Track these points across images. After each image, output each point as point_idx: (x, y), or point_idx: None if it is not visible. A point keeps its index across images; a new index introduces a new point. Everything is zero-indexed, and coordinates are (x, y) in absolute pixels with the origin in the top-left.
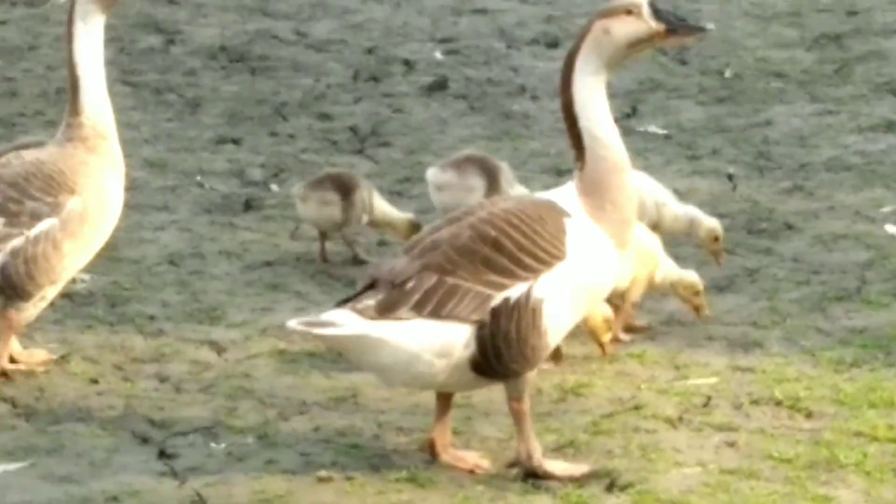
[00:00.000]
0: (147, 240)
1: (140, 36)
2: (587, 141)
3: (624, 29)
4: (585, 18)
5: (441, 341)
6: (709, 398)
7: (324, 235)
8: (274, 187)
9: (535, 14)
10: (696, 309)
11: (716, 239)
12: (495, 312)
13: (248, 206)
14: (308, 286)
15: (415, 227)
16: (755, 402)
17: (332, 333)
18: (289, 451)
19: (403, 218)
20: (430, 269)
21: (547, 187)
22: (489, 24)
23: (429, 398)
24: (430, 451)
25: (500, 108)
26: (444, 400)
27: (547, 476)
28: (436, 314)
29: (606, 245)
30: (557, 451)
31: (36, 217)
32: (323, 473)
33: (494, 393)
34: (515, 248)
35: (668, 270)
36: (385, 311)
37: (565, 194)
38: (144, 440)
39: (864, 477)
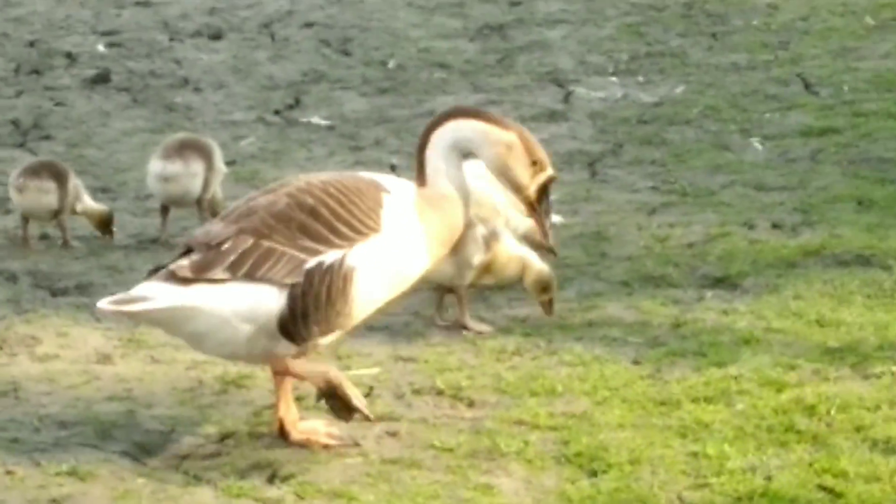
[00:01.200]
0: None
1: None
2: (429, 172)
3: (518, 166)
4: (248, 10)
5: (253, 303)
6: (371, 388)
7: (27, 222)
8: None
9: (197, 6)
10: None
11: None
12: (309, 274)
13: None
14: None
15: (109, 219)
16: (417, 392)
17: (145, 308)
18: None
19: (101, 208)
20: (247, 233)
21: None
22: (152, 16)
23: (93, 392)
24: (280, 432)
25: (163, 101)
26: (280, 381)
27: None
28: (251, 276)
29: (421, 235)
30: (219, 442)
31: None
32: None
33: None
34: (332, 216)
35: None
36: (200, 270)
37: (402, 181)
38: None
39: (525, 465)
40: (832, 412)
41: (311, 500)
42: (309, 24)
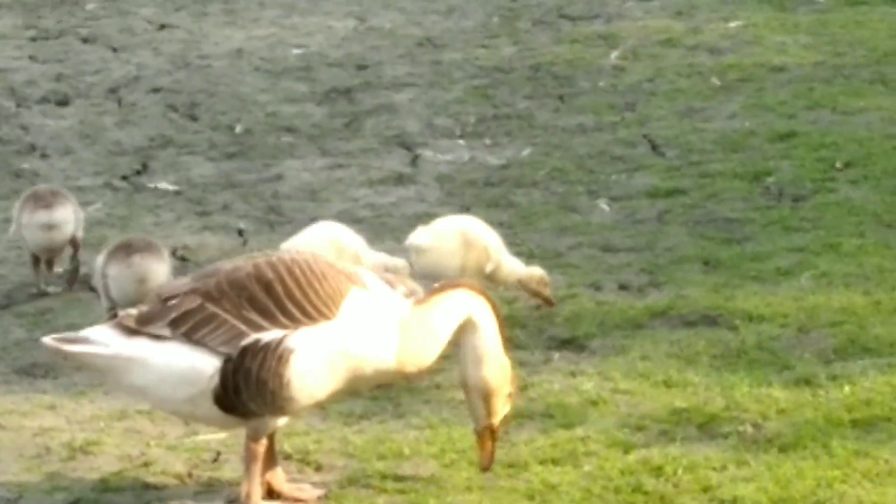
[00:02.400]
0: None
1: None
2: (436, 306)
3: (502, 393)
4: (95, 76)
5: (188, 366)
6: (218, 453)
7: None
8: None
9: (44, 72)
10: (546, 300)
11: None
12: (244, 350)
13: None
14: None
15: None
16: None
17: (84, 351)
18: None
19: None
20: (197, 293)
21: None
22: None
23: None
24: (269, 495)
25: (10, 167)
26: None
27: None
28: (188, 336)
29: (390, 336)
30: None
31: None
32: None
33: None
34: (285, 294)
35: (514, 268)
36: (144, 322)
37: (397, 293)
38: None
39: None
40: (679, 473)
41: None
42: (156, 90)
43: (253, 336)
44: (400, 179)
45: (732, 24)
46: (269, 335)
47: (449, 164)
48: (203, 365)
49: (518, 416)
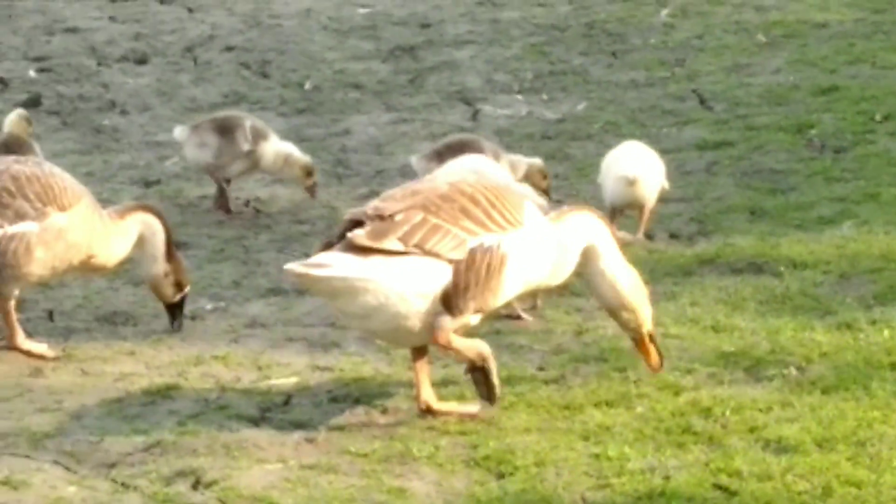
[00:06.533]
0: None
1: None
2: (569, 222)
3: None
4: (171, 35)
5: (426, 276)
6: (289, 397)
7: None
8: None
9: (123, 32)
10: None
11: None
12: (472, 251)
13: None
14: None
15: None
16: (334, 400)
17: (329, 275)
18: None
19: None
20: (416, 208)
21: (136, 198)
22: (80, 42)
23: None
24: (427, 411)
25: (91, 123)
26: (420, 356)
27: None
28: (420, 246)
29: (552, 248)
30: (145, 451)
31: (20, 216)
32: None
33: None
34: (488, 204)
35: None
36: (376, 238)
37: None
38: None
39: (436, 468)
40: (727, 414)
41: None
42: (230, 48)
43: (475, 240)
44: (461, 132)
45: None
46: (487, 239)
47: (507, 118)
48: (437, 272)
49: (573, 360)
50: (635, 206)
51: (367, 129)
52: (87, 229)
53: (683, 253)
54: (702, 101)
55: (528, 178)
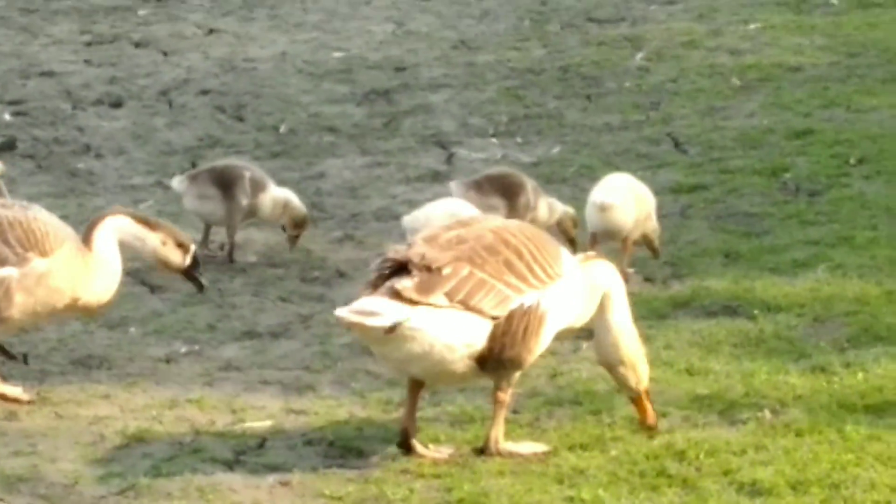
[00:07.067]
0: None
1: None
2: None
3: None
4: (146, 79)
5: (467, 330)
6: (264, 440)
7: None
8: None
9: (99, 75)
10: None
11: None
12: (512, 312)
13: None
14: None
15: None
16: (309, 443)
17: (380, 325)
18: None
19: None
20: (463, 260)
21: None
22: (55, 85)
23: None
24: (404, 444)
25: (66, 167)
26: (416, 392)
27: (511, 455)
28: (465, 303)
29: (582, 293)
30: (119, 494)
31: (0, 261)
32: None
33: None
34: (531, 258)
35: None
36: (423, 292)
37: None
38: None
39: None
40: (701, 457)
41: None
42: (205, 92)
43: (518, 299)
44: (436, 177)
45: (751, 27)
46: (529, 298)
47: (482, 161)
48: (479, 328)
49: (547, 403)
50: (613, 234)
51: (342, 172)
52: (69, 274)
53: (658, 296)
54: (676, 145)
55: (560, 223)
